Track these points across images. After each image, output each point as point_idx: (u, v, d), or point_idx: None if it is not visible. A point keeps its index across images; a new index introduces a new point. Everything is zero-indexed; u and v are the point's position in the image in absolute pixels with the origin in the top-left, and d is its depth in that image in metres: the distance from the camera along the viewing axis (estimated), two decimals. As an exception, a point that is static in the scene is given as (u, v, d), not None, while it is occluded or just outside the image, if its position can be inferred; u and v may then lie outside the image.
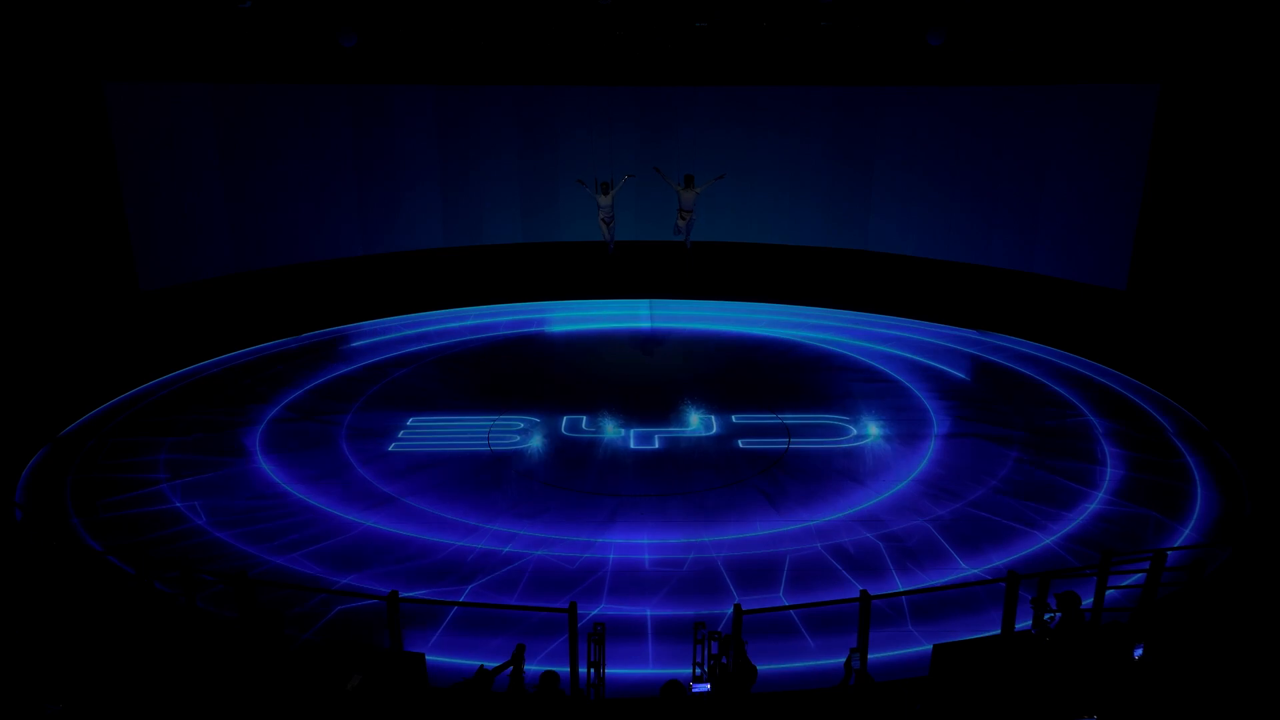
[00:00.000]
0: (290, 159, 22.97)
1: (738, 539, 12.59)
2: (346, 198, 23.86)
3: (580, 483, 14.06)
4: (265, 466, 14.80)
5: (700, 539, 12.53)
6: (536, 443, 15.27)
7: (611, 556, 12.15)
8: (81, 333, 18.73)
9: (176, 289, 21.51)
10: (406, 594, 9.73)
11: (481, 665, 7.98)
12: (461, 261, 24.52)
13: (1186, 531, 12.80)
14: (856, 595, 9.42)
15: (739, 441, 15.45)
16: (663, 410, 16.56)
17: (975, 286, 22.55)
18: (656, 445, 15.32)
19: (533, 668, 8.37)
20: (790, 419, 16.29)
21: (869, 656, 9.07)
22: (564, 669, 9.11)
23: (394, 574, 11.66)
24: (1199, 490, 13.89)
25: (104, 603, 9.97)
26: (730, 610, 9.32)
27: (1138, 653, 8.04)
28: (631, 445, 15.29)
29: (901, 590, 11.07)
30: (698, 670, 9.65)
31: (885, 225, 24.19)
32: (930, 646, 8.87)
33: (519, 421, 16.20)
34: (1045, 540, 12.52)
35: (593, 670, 9.43)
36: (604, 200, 20.13)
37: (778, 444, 15.37)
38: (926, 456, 15.01)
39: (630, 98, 24.31)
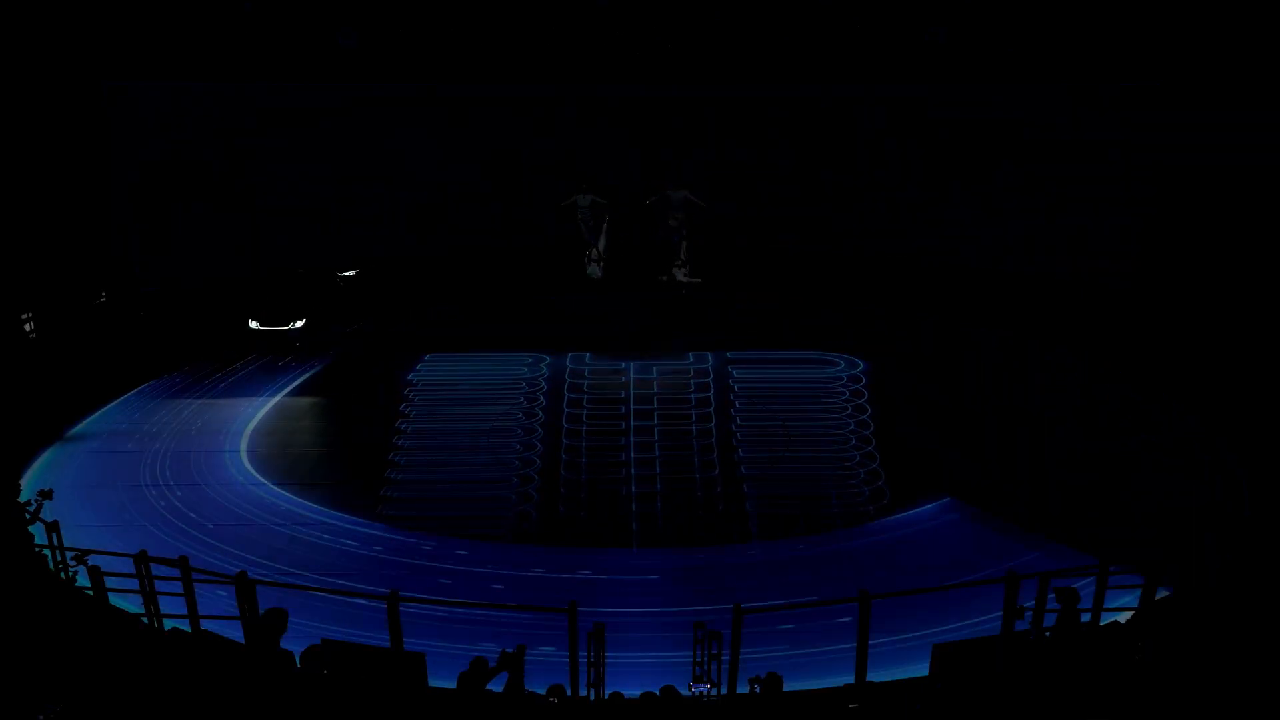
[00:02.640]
0: (291, 160, 22.95)
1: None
2: (346, 200, 23.81)
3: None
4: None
5: None
6: None
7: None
8: (81, 333, 18.73)
9: (176, 289, 21.51)
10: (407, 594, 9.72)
11: (498, 656, 8.04)
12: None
13: (1188, 532, 12.81)
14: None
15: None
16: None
17: (977, 287, 22.52)
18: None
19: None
20: None
21: (868, 655, 9.10)
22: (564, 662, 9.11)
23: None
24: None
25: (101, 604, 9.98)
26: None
27: (1139, 653, 8.04)
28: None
29: (902, 590, 11.08)
30: (698, 670, 9.66)
31: (881, 226, 24.12)
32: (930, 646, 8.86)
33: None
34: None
35: (593, 670, 9.44)
36: (583, 200, 19.60)
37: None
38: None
39: (628, 100, 24.22)
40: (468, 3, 20.57)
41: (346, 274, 22.58)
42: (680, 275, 20.59)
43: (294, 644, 7.85)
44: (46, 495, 10.98)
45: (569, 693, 8.89)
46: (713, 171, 24.35)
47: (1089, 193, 21.25)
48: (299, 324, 19.71)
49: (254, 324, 19.64)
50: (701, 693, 9.26)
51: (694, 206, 19.90)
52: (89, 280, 19.45)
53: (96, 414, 16.75)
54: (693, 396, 17.07)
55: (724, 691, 9.26)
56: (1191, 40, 18.40)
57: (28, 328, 17.62)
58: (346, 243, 23.73)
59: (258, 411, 16.95)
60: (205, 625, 9.78)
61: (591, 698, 9.32)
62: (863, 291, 22.70)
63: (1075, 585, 9.69)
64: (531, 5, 20.73)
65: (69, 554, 10.69)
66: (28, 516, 10.65)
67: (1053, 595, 9.03)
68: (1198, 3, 18.10)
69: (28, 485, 12.89)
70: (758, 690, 8.27)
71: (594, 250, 19.84)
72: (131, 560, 9.92)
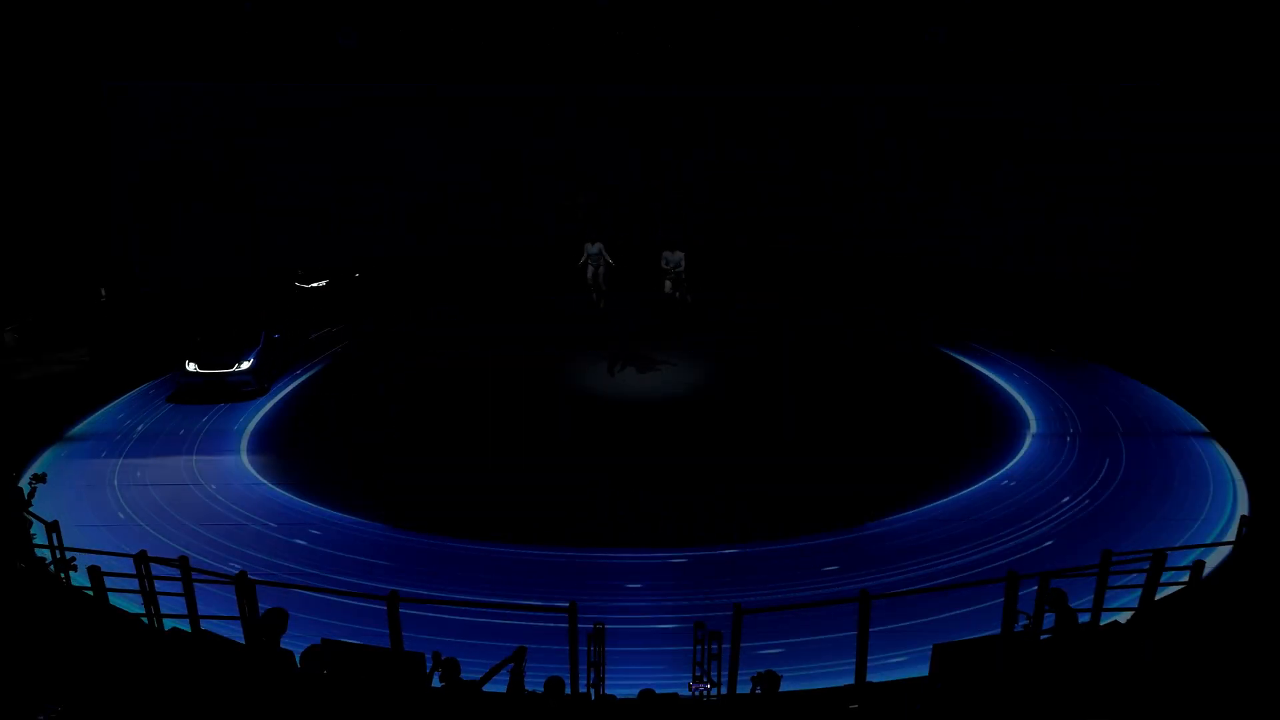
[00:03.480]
0: (291, 160, 22.96)
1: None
2: (346, 200, 23.81)
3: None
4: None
5: None
6: None
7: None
8: (81, 333, 18.74)
9: (176, 289, 21.51)
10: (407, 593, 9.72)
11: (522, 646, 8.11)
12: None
13: (1188, 531, 12.82)
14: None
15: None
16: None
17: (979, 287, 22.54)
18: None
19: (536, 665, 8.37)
20: None
21: (867, 657, 9.09)
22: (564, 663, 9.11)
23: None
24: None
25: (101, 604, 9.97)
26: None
27: (1139, 652, 8.04)
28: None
29: (902, 590, 11.09)
30: (698, 670, 9.65)
31: (881, 226, 24.14)
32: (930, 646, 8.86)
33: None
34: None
35: (593, 670, 9.43)
36: (591, 248, 19.44)
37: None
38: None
39: (628, 99, 24.23)
40: (468, 3, 20.56)
41: (316, 284, 21.38)
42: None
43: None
44: (40, 479, 10.98)
45: (569, 690, 8.89)
46: (713, 171, 24.41)
47: (1089, 193, 21.27)
48: (244, 365, 17.21)
49: (191, 366, 17.18)
50: (701, 692, 9.25)
51: (684, 271, 19.19)
52: (89, 280, 19.46)
53: (96, 414, 16.75)
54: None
55: (724, 691, 9.26)
56: (1191, 40, 18.40)
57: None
58: (346, 243, 23.77)
59: (258, 412, 16.95)
60: (205, 625, 9.79)
61: (592, 697, 9.31)
62: (863, 291, 22.76)
63: (1075, 585, 9.73)
64: (531, 5, 20.73)
65: (58, 559, 10.67)
66: (25, 501, 10.66)
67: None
68: (1198, 3, 18.10)
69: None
70: (758, 690, 8.28)
71: (597, 294, 19.63)
72: (131, 560, 9.91)
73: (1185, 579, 10.18)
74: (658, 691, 8.05)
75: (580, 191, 24.31)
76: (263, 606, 8.77)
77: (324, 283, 21.96)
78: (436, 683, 7.95)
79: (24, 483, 11.44)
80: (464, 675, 8.08)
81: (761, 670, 8.42)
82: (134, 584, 9.94)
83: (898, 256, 23.74)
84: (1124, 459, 14.91)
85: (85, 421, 16.45)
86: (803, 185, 24.34)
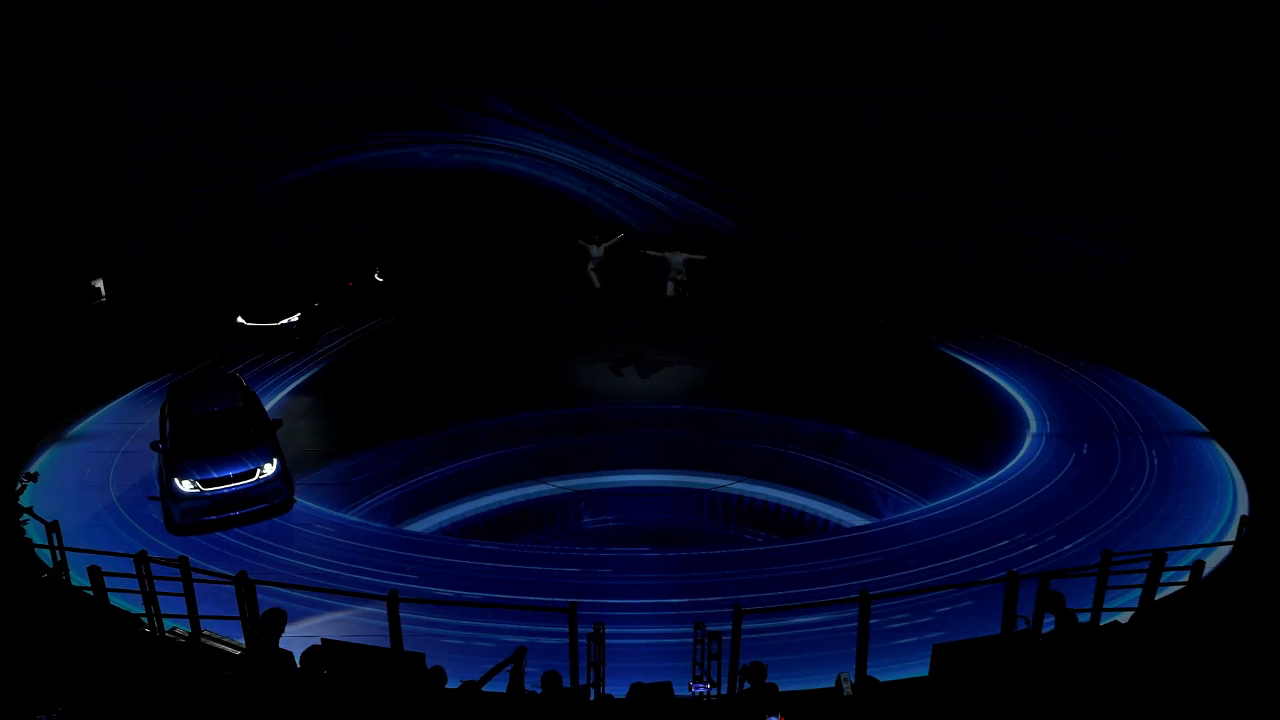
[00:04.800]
0: (291, 160, 22.95)
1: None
2: (346, 200, 23.79)
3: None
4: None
5: None
6: None
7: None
8: (80, 334, 18.72)
9: (175, 289, 21.49)
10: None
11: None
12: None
13: (1188, 531, 12.81)
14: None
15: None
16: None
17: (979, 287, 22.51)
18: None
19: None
20: None
21: (867, 657, 9.09)
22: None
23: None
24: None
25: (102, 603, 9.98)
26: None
27: (1139, 652, 8.04)
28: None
29: (901, 590, 11.08)
30: (698, 670, 9.64)
31: (881, 226, 24.14)
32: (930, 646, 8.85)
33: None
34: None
35: (593, 670, 9.43)
36: (596, 251, 19.93)
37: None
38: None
39: (628, 99, 24.24)
40: (468, 3, 20.57)
41: (286, 320, 19.31)
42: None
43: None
44: (32, 478, 10.96)
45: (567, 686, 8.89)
46: (713, 171, 24.44)
47: (1089, 193, 21.26)
48: (267, 469, 12.96)
49: (187, 485, 12.50)
50: (701, 692, 9.25)
51: (694, 264, 19.05)
52: (89, 280, 19.45)
53: (96, 414, 16.74)
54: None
55: (723, 691, 9.26)
56: (1191, 40, 18.41)
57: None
58: (346, 243, 23.76)
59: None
60: (205, 625, 9.79)
61: (591, 696, 9.31)
62: (863, 291, 22.73)
63: (1076, 585, 9.73)
64: (531, 5, 20.74)
65: (55, 563, 10.65)
66: (21, 502, 10.68)
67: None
68: (1198, 3, 18.11)
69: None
70: (746, 683, 8.26)
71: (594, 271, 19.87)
72: (131, 560, 9.91)
73: (1185, 579, 10.18)
74: (648, 682, 7.98)
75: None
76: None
77: (294, 318, 19.23)
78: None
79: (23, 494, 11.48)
80: (465, 676, 8.09)
81: (748, 663, 8.40)
82: (134, 584, 9.94)
83: (898, 256, 23.73)
84: (1121, 459, 14.90)
85: (85, 421, 16.44)
86: (803, 185, 24.35)
